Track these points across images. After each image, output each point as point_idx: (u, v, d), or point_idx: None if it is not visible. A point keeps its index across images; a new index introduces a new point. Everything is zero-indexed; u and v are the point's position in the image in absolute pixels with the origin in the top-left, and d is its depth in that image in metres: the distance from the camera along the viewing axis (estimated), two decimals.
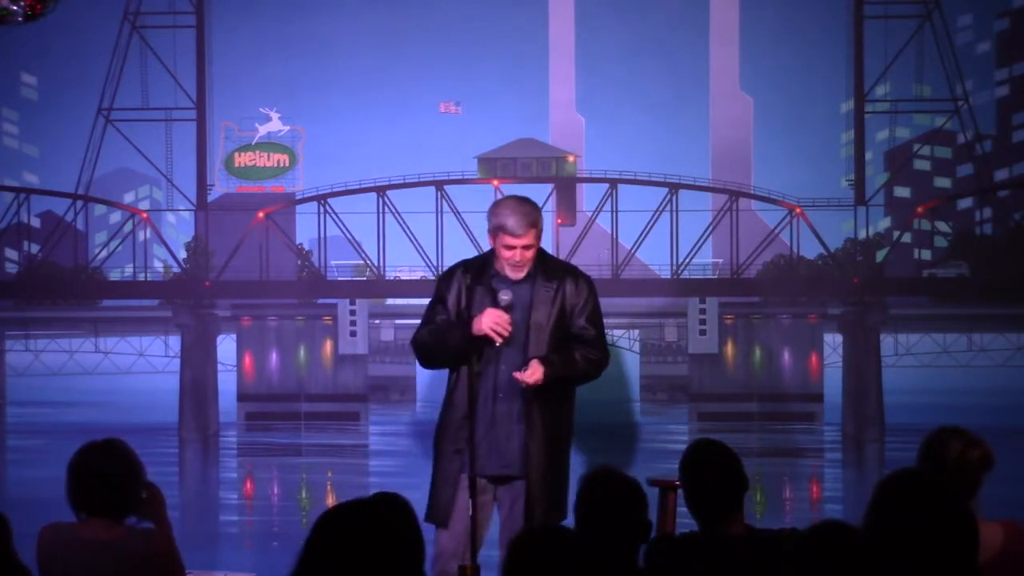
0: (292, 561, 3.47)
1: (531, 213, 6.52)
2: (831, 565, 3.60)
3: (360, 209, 45.64)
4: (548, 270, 6.52)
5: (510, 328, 6.28)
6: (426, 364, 6.65)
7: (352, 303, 45.03)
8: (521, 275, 6.41)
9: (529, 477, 6.34)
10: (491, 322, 6.26)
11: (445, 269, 6.79)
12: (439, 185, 45.42)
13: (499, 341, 6.27)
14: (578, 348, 6.43)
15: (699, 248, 45.47)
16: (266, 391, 45.65)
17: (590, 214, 46.48)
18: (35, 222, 48.97)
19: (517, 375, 6.26)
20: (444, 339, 6.42)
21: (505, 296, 6.33)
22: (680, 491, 6.72)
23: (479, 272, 6.52)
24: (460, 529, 6.37)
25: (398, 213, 45.04)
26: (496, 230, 6.52)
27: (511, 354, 6.38)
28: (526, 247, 6.42)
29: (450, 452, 6.43)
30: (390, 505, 3.48)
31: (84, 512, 4.85)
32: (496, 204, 6.65)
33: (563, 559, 3.59)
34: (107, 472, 4.82)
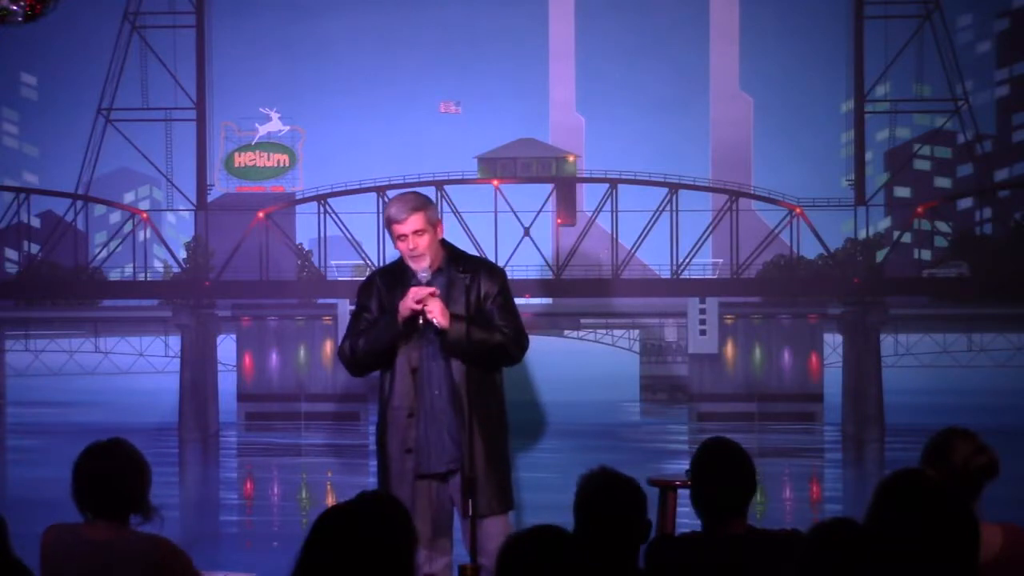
0: (292, 561, 3.49)
1: (412, 200, 6.56)
2: (838, 563, 3.60)
3: (360, 209, 45.66)
4: (460, 262, 6.55)
5: (436, 291, 6.32)
6: (357, 369, 6.65)
7: (352, 303, 44.98)
8: (424, 265, 6.43)
9: (468, 472, 6.36)
10: (412, 298, 6.32)
11: (363, 281, 6.83)
12: (439, 185, 45.41)
13: (430, 313, 6.30)
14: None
15: (699, 248, 45.47)
16: (266, 391, 45.66)
17: (590, 214, 46.46)
18: (35, 222, 48.97)
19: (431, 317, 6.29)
20: (374, 336, 6.46)
21: (424, 275, 6.38)
22: (680, 491, 6.72)
23: (395, 278, 6.55)
24: (426, 535, 6.38)
25: None
26: (387, 226, 6.59)
27: (436, 357, 6.41)
28: (416, 232, 6.44)
29: (400, 453, 6.44)
30: (383, 506, 3.49)
31: (89, 513, 4.84)
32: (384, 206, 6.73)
33: (559, 558, 3.59)
34: (110, 473, 4.81)
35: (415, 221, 6.45)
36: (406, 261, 6.53)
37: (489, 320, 6.45)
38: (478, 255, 6.93)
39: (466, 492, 6.30)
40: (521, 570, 3.60)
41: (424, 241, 6.45)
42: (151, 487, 4.90)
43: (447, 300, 6.40)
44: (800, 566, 3.71)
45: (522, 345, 6.55)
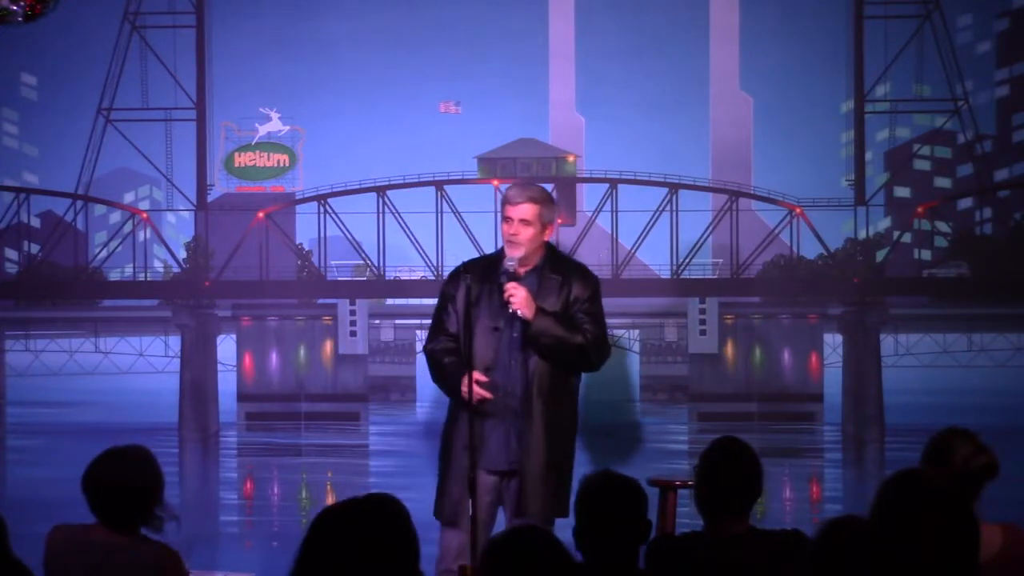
0: (292, 561, 3.48)
1: (534, 191, 6.56)
2: (849, 561, 3.60)
3: (360, 209, 45.67)
4: (556, 264, 6.53)
5: (487, 396, 6.29)
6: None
7: (352, 303, 45.02)
8: (517, 255, 6.40)
9: (525, 471, 6.33)
10: (478, 380, 6.31)
11: (451, 271, 6.79)
12: (439, 185, 45.42)
13: (515, 304, 6.31)
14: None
15: (699, 248, 45.48)
16: (266, 391, 45.65)
17: (590, 214, 46.48)
18: (35, 222, 48.98)
19: (510, 300, 6.30)
20: (443, 382, 6.47)
21: (511, 264, 6.38)
22: (680, 491, 6.70)
23: (486, 269, 6.52)
24: (468, 527, 6.35)
25: (398, 213, 45.04)
26: (501, 205, 6.59)
27: (515, 351, 6.38)
28: (523, 221, 6.42)
29: (460, 448, 6.41)
30: (383, 506, 3.48)
31: (97, 518, 4.81)
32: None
33: (540, 559, 3.59)
34: (118, 484, 4.75)
35: (526, 210, 6.45)
36: (504, 245, 6.53)
37: (574, 322, 6.44)
38: (577, 260, 6.90)
39: (525, 493, 6.28)
40: (503, 570, 3.60)
41: (528, 233, 6.43)
42: (162, 498, 4.82)
43: (536, 297, 6.39)
44: (810, 564, 3.70)
45: (602, 353, 6.50)
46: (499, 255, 6.54)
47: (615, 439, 39.38)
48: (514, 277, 6.37)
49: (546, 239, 6.53)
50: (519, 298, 6.29)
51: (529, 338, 6.32)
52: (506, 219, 6.47)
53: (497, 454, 6.35)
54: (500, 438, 6.36)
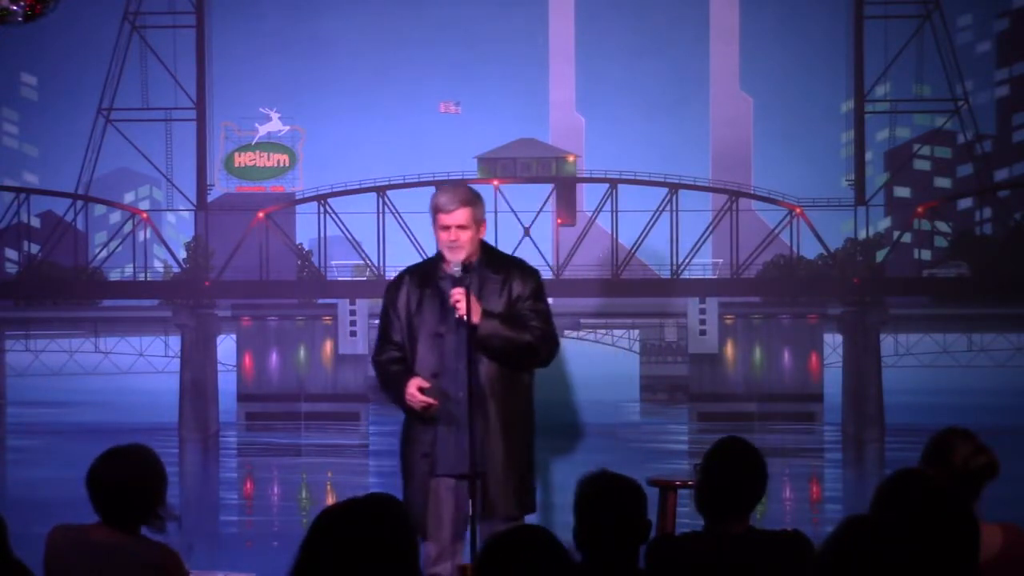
0: (292, 561, 3.48)
1: (464, 194, 6.56)
2: (861, 560, 3.59)
3: (360, 209, 45.65)
4: (494, 263, 6.52)
5: (431, 403, 6.27)
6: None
7: (352, 303, 45.02)
8: (459, 258, 6.40)
9: (487, 473, 6.31)
10: (412, 401, 6.30)
11: (391, 280, 6.81)
12: (439, 185, 45.39)
13: (460, 310, 6.28)
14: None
15: (699, 248, 45.46)
16: (266, 391, 45.65)
17: (590, 214, 46.46)
18: (35, 222, 48.95)
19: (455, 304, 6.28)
20: (389, 392, 6.47)
21: (455, 269, 6.36)
22: (680, 491, 6.69)
23: (425, 276, 6.52)
24: (443, 535, 6.34)
25: (398, 213, 45.05)
26: (432, 213, 6.57)
27: (461, 356, 6.36)
28: (460, 227, 6.42)
29: (417, 456, 6.41)
30: (383, 506, 3.48)
31: (99, 516, 4.81)
32: (433, 193, 6.72)
33: (538, 559, 3.59)
34: (121, 482, 4.75)
35: (461, 215, 6.45)
36: (442, 251, 6.52)
37: (520, 320, 6.42)
38: (514, 256, 6.90)
39: (472, 491, 6.27)
40: (501, 570, 3.59)
41: (466, 236, 6.44)
42: (164, 498, 4.83)
43: (479, 298, 6.38)
44: (822, 562, 3.69)
45: (551, 347, 6.51)
46: (437, 259, 6.54)
47: (615, 439, 39.37)
48: (458, 282, 6.37)
49: (481, 236, 6.54)
50: (465, 304, 6.28)
51: (478, 342, 6.30)
52: (443, 228, 6.46)
53: (456, 459, 6.33)
54: (456, 442, 6.35)
